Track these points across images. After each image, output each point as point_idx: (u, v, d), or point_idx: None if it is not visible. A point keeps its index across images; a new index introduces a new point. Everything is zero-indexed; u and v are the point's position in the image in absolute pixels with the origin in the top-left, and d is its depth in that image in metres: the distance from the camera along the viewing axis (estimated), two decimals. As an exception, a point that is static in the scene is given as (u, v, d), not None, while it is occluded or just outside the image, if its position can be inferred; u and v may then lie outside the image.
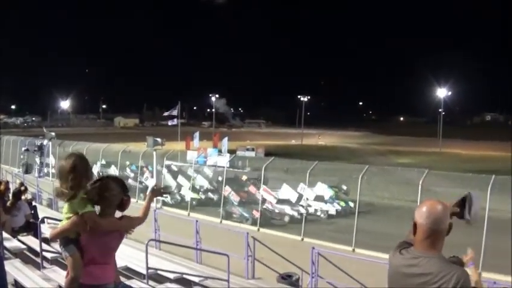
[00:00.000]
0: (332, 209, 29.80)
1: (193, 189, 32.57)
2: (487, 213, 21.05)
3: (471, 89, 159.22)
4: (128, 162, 37.98)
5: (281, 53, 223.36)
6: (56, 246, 8.55)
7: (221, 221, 28.03)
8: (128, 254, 11.60)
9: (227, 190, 30.32)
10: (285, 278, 14.79)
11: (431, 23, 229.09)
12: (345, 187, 31.97)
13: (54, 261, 9.73)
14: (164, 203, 31.03)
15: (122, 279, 9.29)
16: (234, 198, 30.03)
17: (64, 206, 4.90)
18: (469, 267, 5.67)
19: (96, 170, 35.04)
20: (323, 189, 30.49)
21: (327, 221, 28.39)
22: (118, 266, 6.67)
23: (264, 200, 28.50)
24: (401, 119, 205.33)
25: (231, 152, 57.58)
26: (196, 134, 57.88)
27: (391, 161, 65.06)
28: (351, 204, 28.49)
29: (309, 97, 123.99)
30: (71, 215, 4.82)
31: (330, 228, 25.94)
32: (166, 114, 59.17)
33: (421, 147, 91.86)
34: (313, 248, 13.40)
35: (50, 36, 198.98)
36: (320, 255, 13.41)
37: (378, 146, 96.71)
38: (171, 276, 11.44)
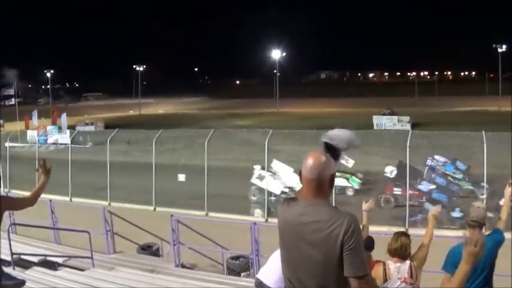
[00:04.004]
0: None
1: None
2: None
3: (304, 49, 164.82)
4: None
5: (116, 23, 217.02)
6: None
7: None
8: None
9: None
10: (145, 248, 15.02)
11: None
12: None
13: None
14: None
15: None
16: None
17: None
18: (363, 212, 6.52)
19: None
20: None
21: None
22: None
23: None
24: (237, 82, 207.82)
25: (71, 127, 55.93)
26: (35, 113, 55.61)
27: (232, 124, 65.79)
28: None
29: (144, 66, 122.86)
30: None
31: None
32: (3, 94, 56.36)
33: (259, 109, 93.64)
34: (172, 215, 13.59)
35: None
36: (179, 222, 13.60)
37: (217, 110, 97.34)
38: (35, 259, 11.26)
